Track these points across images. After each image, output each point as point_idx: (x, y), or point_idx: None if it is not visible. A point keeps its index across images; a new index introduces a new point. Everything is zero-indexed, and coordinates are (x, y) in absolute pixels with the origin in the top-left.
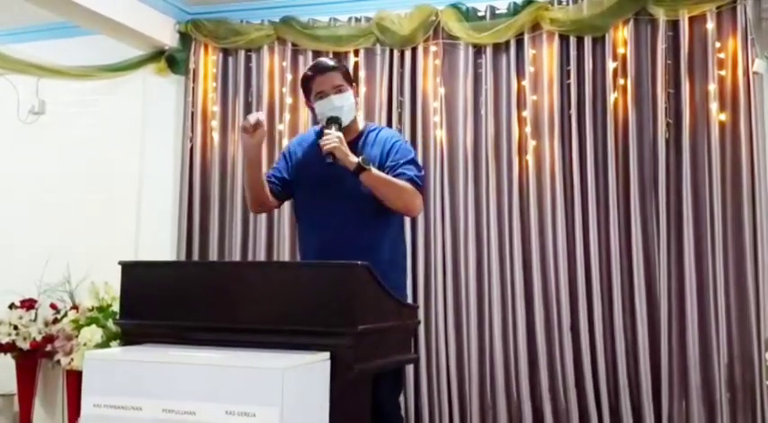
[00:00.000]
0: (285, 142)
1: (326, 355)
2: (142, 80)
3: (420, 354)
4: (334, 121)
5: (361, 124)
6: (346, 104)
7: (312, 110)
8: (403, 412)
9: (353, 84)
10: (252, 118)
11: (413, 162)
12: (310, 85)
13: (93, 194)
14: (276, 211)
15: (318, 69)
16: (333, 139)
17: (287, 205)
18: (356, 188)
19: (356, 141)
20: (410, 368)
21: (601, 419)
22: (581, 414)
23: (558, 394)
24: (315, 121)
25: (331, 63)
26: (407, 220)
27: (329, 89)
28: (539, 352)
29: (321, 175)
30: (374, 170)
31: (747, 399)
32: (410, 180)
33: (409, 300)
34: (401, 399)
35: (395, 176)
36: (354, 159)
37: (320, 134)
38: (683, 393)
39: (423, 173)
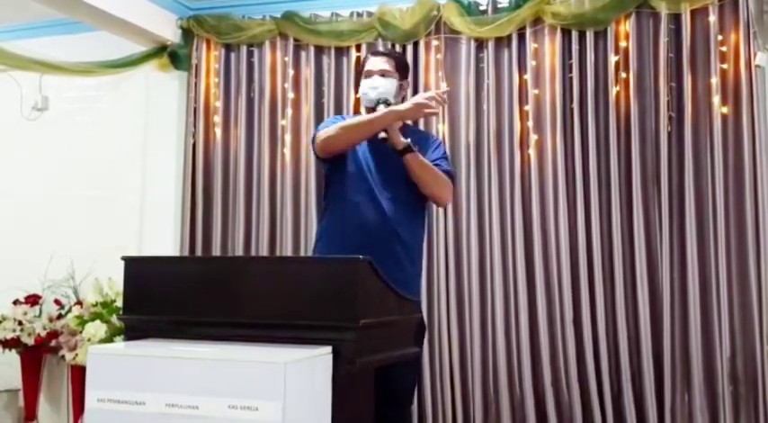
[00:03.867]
0: (287, 138)
1: (329, 349)
2: (145, 76)
3: (423, 348)
4: (383, 102)
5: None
6: (383, 86)
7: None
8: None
9: (406, 80)
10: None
11: (447, 160)
12: (363, 65)
13: (96, 190)
14: (279, 205)
15: (373, 52)
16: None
17: (288, 201)
18: (399, 173)
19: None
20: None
21: (603, 412)
22: (584, 407)
23: (561, 387)
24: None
25: (391, 50)
26: None
27: (376, 70)
28: (541, 345)
29: (366, 160)
30: (420, 156)
31: (750, 392)
32: (446, 172)
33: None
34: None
35: (441, 168)
36: (404, 140)
37: (379, 103)
38: (686, 386)
39: (455, 172)
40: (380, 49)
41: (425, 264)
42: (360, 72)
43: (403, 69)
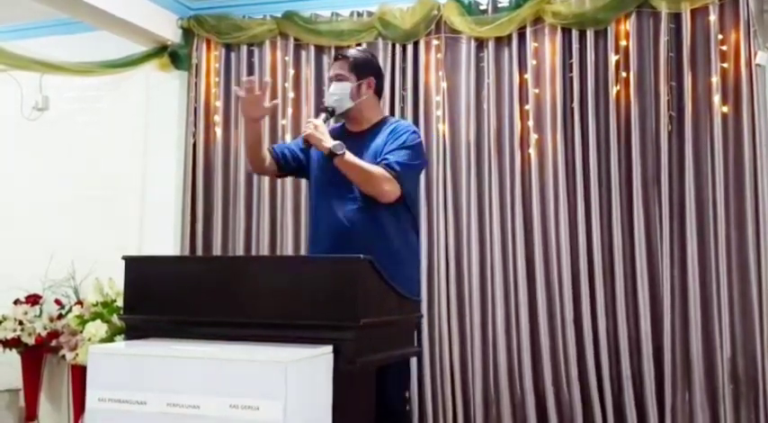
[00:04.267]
0: (288, 137)
1: (329, 348)
2: (145, 76)
3: (423, 347)
4: (324, 110)
5: (380, 115)
6: (338, 93)
7: None
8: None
9: (370, 76)
10: (245, 83)
11: (406, 148)
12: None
13: (96, 190)
14: (279, 205)
15: (334, 56)
16: (309, 126)
17: (289, 199)
18: None
19: (369, 131)
20: (413, 362)
21: (604, 412)
22: (584, 406)
23: (562, 387)
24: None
25: (346, 52)
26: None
27: (332, 76)
28: (542, 344)
29: (332, 167)
30: (347, 156)
31: (750, 392)
32: (386, 165)
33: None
34: (406, 394)
35: (380, 161)
36: (328, 145)
37: (320, 110)
38: (687, 386)
39: (415, 162)
40: (338, 51)
41: (425, 263)
42: None
43: (360, 68)
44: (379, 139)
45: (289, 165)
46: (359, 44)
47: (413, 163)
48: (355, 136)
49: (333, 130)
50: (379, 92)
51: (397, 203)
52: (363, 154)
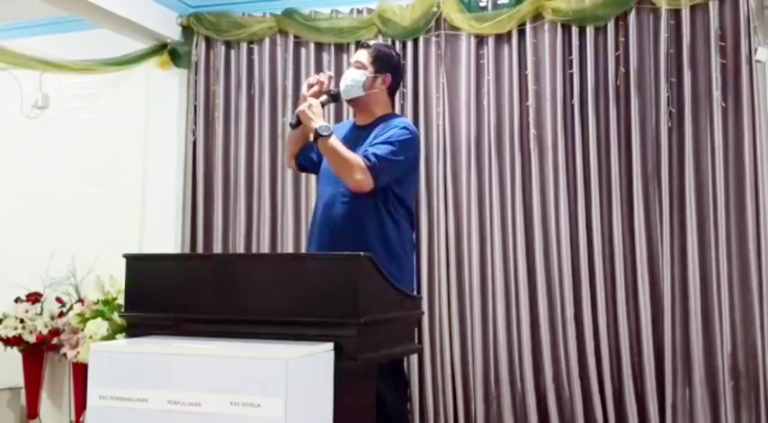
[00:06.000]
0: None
1: (330, 345)
2: (145, 74)
3: (424, 344)
4: (327, 93)
5: (388, 111)
6: (352, 79)
7: None
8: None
9: (389, 73)
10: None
11: (390, 143)
12: None
13: (97, 188)
14: (279, 202)
15: (359, 44)
16: (304, 104)
17: (289, 197)
18: None
19: (372, 125)
20: (414, 359)
21: (604, 408)
22: (585, 402)
23: (562, 383)
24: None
25: (372, 42)
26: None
27: (352, 62)
28: (542, 341)
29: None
30: (331, 140)
31: (751, 387)
32: (364, 156)
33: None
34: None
35: (363, 152)
36: (315, 126)
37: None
38: (687, 381)
39: (398, 157)
40: (364, 41)
41: (426, 259)
42: None
43: (381, 62)
44: (374, 131)
45: (312, 166)
46: (359, 41)
47: (394, 158)
48: (360, 129)
49: (343, 124)
50: (393, 90)
51: (391, 206)
52: (361, 147)
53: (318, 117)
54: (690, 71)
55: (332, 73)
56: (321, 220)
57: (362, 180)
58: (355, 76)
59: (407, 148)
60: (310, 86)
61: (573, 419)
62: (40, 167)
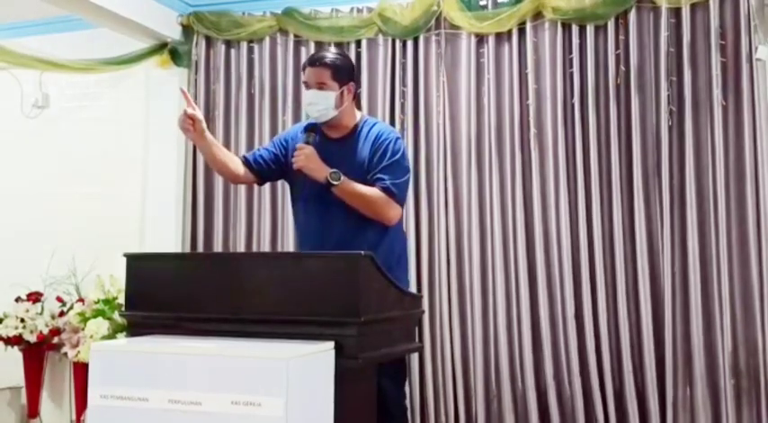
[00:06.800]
0: None
1: (331, 344)
2: (145, 73)
3: (424, 343)
4: (312, 130)
5: (356, 118)
6: (322, 103)
7: None
8: (408, 402)
9: (350, 82)
10: (182, 115)
11: (395, 165)
12: (304, 74)
13: (97, 187)
14: (280, 201)
15: (310, 61)
16: (300, 157)
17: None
18: None
19: (349, 137)
20: (415, 357)
21: (605, 406)
22: (585, 400)
23: (563, 381)
24: None
25: (326, 57)
26: (410, 212)
27: (312, 83)
28: (543, 340)
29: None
30: (345, 182)
31: (752, 385)
32: (384, 189)
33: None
34: (407, 389)
35: (374, 182)
36: (324, 173)
37: (305, 129)
38: (688, 379)
39: (404, 178)
40: (316, 55)
41: (426, 258)
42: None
43: (341, 74)
44: (364, 149)
45: (269, 171)
46: (359, 41)
47: (405, 177)
48: (336, 143)
49: (294, 131)
50: (356, 95)
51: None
52: (349, 163)
53: (319, 164)
54: (690, 69)
55: (184, 87)
56: (318, 221)
57: (395, 214)
58: (326, 99)
59: (404, 155)
60: (190, 122)
61: (574, 417)
62: (40, 167)
